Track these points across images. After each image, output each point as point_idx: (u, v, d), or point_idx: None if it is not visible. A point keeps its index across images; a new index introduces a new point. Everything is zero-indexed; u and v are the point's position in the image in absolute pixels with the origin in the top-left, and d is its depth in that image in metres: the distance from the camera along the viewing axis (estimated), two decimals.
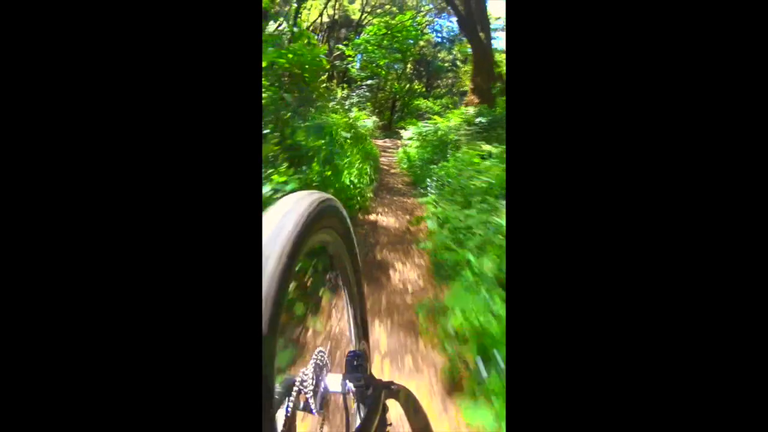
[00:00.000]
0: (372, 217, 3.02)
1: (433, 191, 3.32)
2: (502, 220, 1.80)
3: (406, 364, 1.30)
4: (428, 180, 3.74)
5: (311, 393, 0.49)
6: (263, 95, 2.20)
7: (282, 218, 0.43)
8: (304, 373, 0.51)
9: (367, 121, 6.76)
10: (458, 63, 14.20)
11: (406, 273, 2.04)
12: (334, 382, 0.55)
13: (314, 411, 0.49)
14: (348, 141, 3.83)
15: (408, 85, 14.16)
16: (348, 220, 0.68)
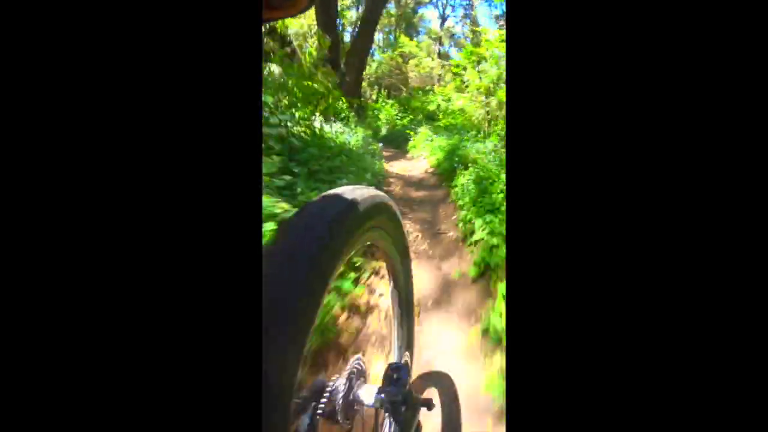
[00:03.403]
0: None
1: None
2: None
3: None
4: None
5: (340, 401, 0.46)
6: None
7: (313, 218, 0.39)
8: (338, 379, 0.49)
9: None
10: None
11: None
12: (367, 393, 0.52)
13: (340, 420, 0.46)
14: None
15: None
16: (399, 218, 0.64)
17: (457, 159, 3.43)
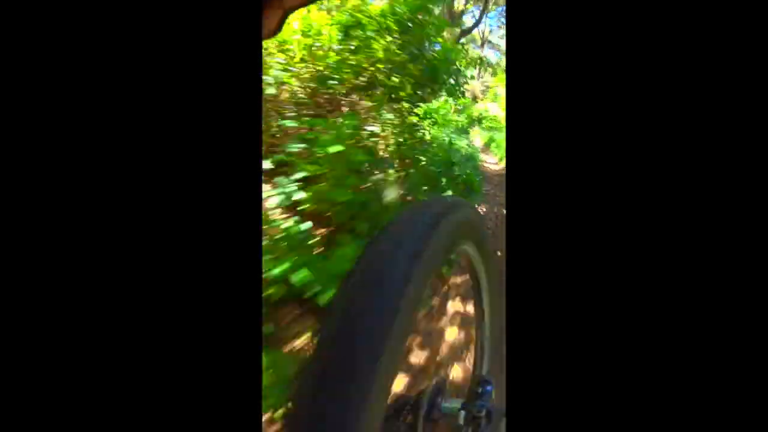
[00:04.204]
0: None
1: None
2: None
3: None
4: None
5: (422, 415, 0.46)
6: None
7: (406, 230, 0.37)
8: (422, 393, 0.48)
9: None
10: None
11: None
12: (451, 407, 0.51)
13: None
14: None
15: None
16: (484, 228, 0.61)
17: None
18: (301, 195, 1.40)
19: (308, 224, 1.31)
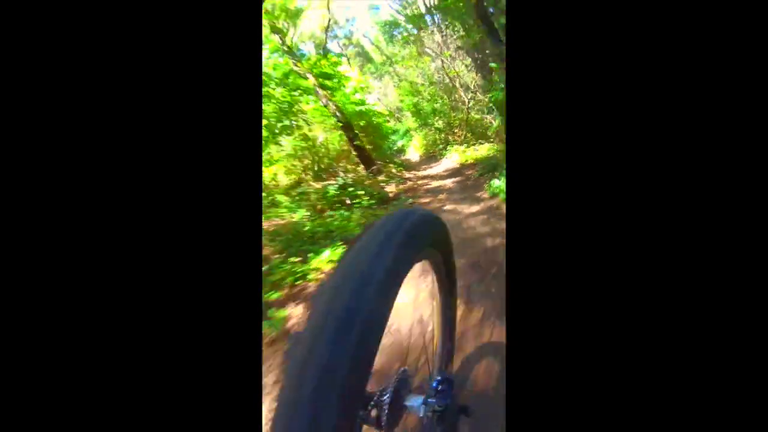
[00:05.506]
0: None
1: None
2: None
3: None
4: None
5: (386, 409, 0.48)
6: None
7: (378, 246, 0.39)
8: (384, 390, 0.51)
9: None
10: None
11: None
12: (412, 403, 0.55)
13: (383, 426, 0.48)
14: None
15: None
16: (450, 238, 0.67)
17: None
18: None
19: None
